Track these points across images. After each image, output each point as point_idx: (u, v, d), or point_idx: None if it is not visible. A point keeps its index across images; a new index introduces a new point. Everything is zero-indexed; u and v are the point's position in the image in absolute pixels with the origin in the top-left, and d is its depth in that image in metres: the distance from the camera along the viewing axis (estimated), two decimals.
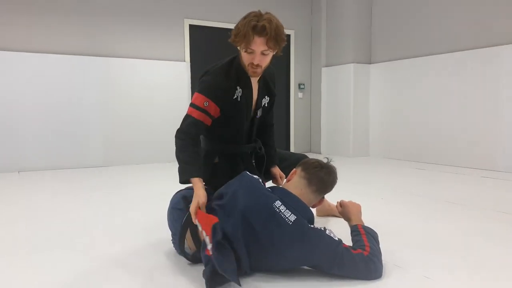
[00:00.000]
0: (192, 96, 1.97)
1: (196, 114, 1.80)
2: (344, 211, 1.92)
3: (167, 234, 1.91)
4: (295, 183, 1.70)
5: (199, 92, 1.83)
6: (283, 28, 1.78)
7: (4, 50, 4.69)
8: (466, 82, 4.79)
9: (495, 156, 4.53)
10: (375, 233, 1.77)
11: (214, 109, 1.82)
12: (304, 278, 1.60)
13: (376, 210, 2.83)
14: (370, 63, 6.08)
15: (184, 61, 5.67)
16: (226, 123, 1.89)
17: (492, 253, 1.96)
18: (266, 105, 2.03)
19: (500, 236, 2.22)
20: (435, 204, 2.98)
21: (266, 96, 2.02)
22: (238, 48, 1.84)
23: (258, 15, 1.72)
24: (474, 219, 2.57)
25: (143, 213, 2.73)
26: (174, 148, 1.78)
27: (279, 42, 1.74)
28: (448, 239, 2.17)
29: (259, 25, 1.67)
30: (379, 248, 1.69)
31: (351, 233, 1.78)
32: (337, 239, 1.57)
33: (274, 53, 1.82)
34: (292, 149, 6.55)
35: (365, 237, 1.69)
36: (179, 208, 1.77)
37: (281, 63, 6.53)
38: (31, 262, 1.86)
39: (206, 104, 1.78)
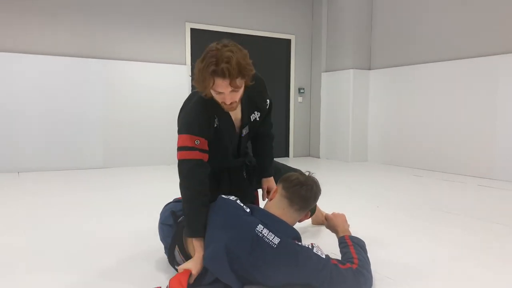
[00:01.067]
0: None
1: (192, 155, 1.69)
2: (329, 224, 1.95)
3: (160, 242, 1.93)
4: (277, 203, 1.69)
5: (185, 133, 1.70)
6: (246, 57, 1.63)
7: (5, 52, 4.72)
8: (464, 90, 4.81)
9: (492, 165, 4.55)
10: (363, 242, 1.78)
11: (204, 144, 1.72)
12: None
13: (371, 218, 2.85)
14: (369, 69, 6.11)
15: (185, 64, 5.70)
16: (210, 149, 1.79)
17: (485, 265, 1.97)
18: (257, 119, 1.92)
19: (494, 248, 2.23)
20: (431, 213, 3.00)
21: (255, 112, 1.90)
22: None
23: (216, 56, 1.54)
24: (470, 230, 2.58)
25: (140, 216, 2.75)
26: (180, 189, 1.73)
27: (245, 76, 1.61)
28: (442, 251, 2.18)
29: (219, 69, 1.53)
30: (367, 258, 1.70)
31: (339, 245, 1.79)
32: (324, 256, 1.57)
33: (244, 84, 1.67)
34: (291, 153, 6.58)
35: (352, 248, 1.70)
36: (169, 224, 1.79)
37: (281, 67, 6.56)
38: (30, 264, 1.89)
39: (197, 142, 1.68)
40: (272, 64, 6.45)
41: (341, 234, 1.84)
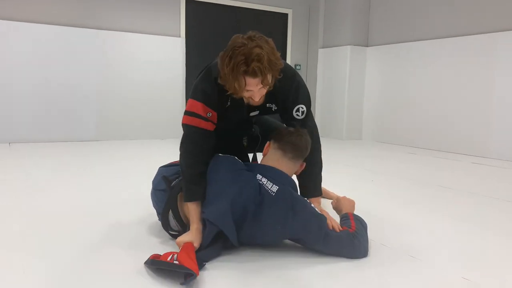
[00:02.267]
0: (187, 97, 1.82)
1: (203, 124, 1.64)
2: (337, 205, 1.94)
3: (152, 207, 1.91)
4: (271, 155, 1.70)
5: (201, 101, 1.63)
6: (274, 50, 1.51)
7: None
8: (461, 68, 4.78)
9: (486, 143, 4.56)
10: (365, 222, 1.78)
11: (215, 117, 1.68)
12: (291, 255, 1.62)
13: (366, 192, 2.86)
14: (367, 46, 6.04)
15: (180, 36, 5.59)
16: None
17: (479, 236, 1.99)
18: (272, 109, 1.80)
19: (487, 221, 2.25)
20: (425, 188, 3.02)
21: (272, 103, 1.78)
22: None
23: (245, 54, 1.42)
24: (463, 203, 2.60)
25: (130, 186, 2.73)
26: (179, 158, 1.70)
27: (275, 72, 1.52)
28: (436, 222, 2.20)
29: (250, 70, 1.43)
30: (366, 234, 1.71)
31: (340, 220, 1.80)
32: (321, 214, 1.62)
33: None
34: None
35: (353, 221, 1.72)
36: (161, 189, 1.76)
37: (278, 42, 6.43)
38: (21, 233, 1.86)
39: (209, 114, 1.65)
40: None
41: (344, 212, 1.85)
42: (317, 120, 6.46)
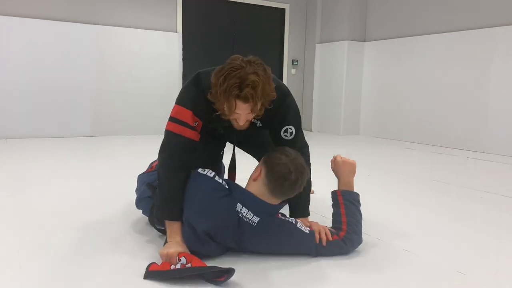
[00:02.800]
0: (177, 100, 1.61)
1: (187, 133, 1.55)
2: (335, 169, 1.79)
3: None
4: (258, 187, 1.53)
5: (189, 108, 1.55)
6: (270, 79, 1.46)
7: None
8: (458, 63, 4.77)
9: (482, 138, 4.57)
10: (355, 195, 1.72)
11: (200, 126, 1.60)
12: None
13: (362, 186, 2.85)
14: (364, 41, 6.02)
15: (176, 31, 5.56)
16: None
17: (474, 230, 2.00)
18: (258, 125, 1.71)
19: (482, 215, 2.26)
20: (421, 182, 3.02)
21: (258, 120, 1.69)
22: None
23: (241, 78, 1.37)
24: (458, 198, 2.61)
25: (126, 181, 2.71)
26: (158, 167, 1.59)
27: (267, 102, 1.48)
28: (431, 216, 2.20)
29: (242, 95, 1.38)
30: (359, 213, 1.68)
31: (331, 199, 1.74)
32: (307, 231, 1.57)
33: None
34: None
35: (343, 209, 1.67)
36: (147, 196, 1.72)
37: (275, 38, 6.43)
38: (16, 228, 1.86)
39: (195, 123, 1.56)
40: (265, 34, 6.32)
41: (339, 187, 1.75)
42: (315, 115, 6.48)
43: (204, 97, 1.51)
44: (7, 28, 4.62)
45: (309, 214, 1.79)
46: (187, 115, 1.55)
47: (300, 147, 1.76)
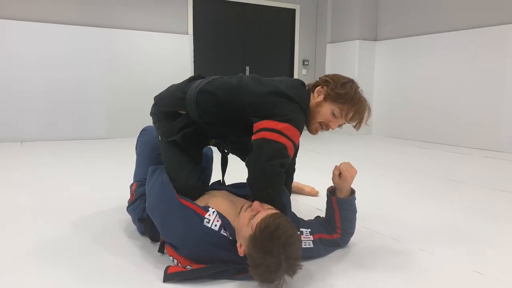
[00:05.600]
0: (263, 116, 1.52)
1: (291, 148, 1.51)
2: (341, 184, 1.61)
3: None
4: (243, 236, 1.32)
5: (296, 127, 1.53)
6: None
7: (6, 19, 4.63)
8: (472, 61, 4.71)
9: (497, 137, 4.50)
10: (352, 200, 1.63)
11: None
12: None
13: (376, 185, 2.84)
14: (375, 40, 5.99)
15: (187, 34, 5.60)
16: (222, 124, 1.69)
17: (490, 229, 1.97)
18: None
19: (499, 214, 2.23)
20: (436, 181, 2.99)
21: None
22: (319, 96, 1.64)
23: (363, 96, 1.67)
24: (474, 197, 2.58)
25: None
26: (267, 178, 1.48)
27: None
28: (447, 216, 2.18)
29: (366, 110, 1.68)
30: (355, 216, 1.63)
31: (326, 204, 1.67)
32: (311, 243, 1.53)
33: None
34: None
35: (338, 217, 1.60)
36: (145, 231, 1.71)
37: (285, 38, 6.43)
38: (32, 228, 1.89)
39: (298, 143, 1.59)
40: (276, 35, 6.33)
41: (338, 195, 1.62)
42: None
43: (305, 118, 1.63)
44: (22, 33, 4.71)
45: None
46: (297, 134, 1.55)
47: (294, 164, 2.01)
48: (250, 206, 1.41)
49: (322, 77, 1.68)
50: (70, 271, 1.44)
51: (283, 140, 1.48)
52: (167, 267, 1.40)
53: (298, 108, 1.57)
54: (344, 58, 6.09)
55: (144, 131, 2.10)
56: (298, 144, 1.72)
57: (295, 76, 6.51)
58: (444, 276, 1.44)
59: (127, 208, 1.83)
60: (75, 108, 5.06)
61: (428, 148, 4.71)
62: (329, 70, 6.36)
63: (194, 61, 5.65)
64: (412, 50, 5.44)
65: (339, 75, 1.69)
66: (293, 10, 6.35)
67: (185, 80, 1.79)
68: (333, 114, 1.62)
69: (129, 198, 1.87)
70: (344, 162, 1.64)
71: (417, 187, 2.83)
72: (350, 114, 1.63)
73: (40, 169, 3.25)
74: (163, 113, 1.78)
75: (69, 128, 5.05)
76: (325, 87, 1.63)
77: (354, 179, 1.62)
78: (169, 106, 1.75)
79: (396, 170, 3.40)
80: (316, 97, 1.64)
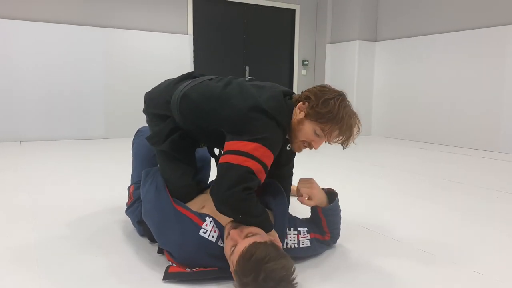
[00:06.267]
0: (238, 137, 1.41)
1: (261, 172, 1.39)
2: (312, 202, 1.60)
3: None
4: (225, 247, 1.36)
5: (268, 147, 1.40)
6: None
7: (5, 18, 4.62)
8: (471, 62, 4.72)
9: (496, 138, 4.51)
10: (336, 205, 1.62)
11: None
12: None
13: (376, 186, 2.84)
14: (375, 41, 5.99)
15: (187, 34, 5.59)
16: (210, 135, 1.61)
17: (490, 229, 1.97)
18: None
19: (499, 214, 2.23)
20: (435, 182, 2.99)
21: None
22: (301, 113, 1.48)
23: (351, 111, 1.51)
24: (474, 197, 2.58)
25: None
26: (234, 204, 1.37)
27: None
28: (447, 217, 2.18)
29: (353, 127, 1.50)
30: (339, 217, 1.64)
31: (311, 212, 1.65)
32: (308, 242, 1.54)
33: None
34: None
35: (325, 223, 1.60)
36: (143, 234, 1.73)
37: (285, 38, 6.43)
38: (31, 227, 1.89)
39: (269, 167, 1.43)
40: (275, 35, 6.33)
41: (319, 205, 1.61)
42: None
43: (283, 134, 1.50)
44: (21, 32, 4.70)
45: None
46: (268, 155, 1.41)
47: (292, 167, 1.83)
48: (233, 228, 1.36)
49: (305, 91, 1.52)
50: (69, 271, 1.44)
51: (249, 163, 1.36)
52: (168, 266, 1.40)
53: (273, 125, 1.43)
54: (343, 59, 6.09)
55: (139, 133, 2.10)
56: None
57: (295, 76, 6.51)
58: (445, 277, 1.44)
59: (126, 210, 1.83)
60: (74, 108, 5.05)
61: (428, 149, 4.72)
62: (329, 71, 6.36)
63: (194, 61, 5.65)
64: (412, 50, 5.45)
65: (325, 88, 1.52)
66: (293, 10, 6.35)
67: (177, 78, 1.72)
68: (316, 133, 1.47)
69: (127, 200, 1.87)
70: (299, 183, 1.61)
71: (416, 188, 2.84)
72: (334, 134, 1.48)
73: (39, 169, 3.25)
74: (153, 114, 1.75)
75: (68, 128, 5.04)
76: (306, 103, 1.47)
77: (319, 185, 1.62)
78: (157, 108, 1.70)
79: (395, 171, 3.40)
80: (298, 114, 1.49)
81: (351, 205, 1.71)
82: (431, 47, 5.17)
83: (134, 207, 1.77)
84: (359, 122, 1.53)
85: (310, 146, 1.52)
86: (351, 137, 1.51)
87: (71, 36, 4.95)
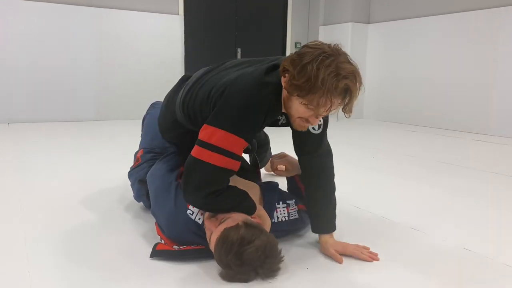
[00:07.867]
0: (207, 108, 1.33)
1: (234, 166, 1.26)
2: (288, 172, 1.63)
3: None
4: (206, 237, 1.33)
5: (242, 135, 1.25)
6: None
7: None
8: (463, 44, 4.71)
9: (488, 121, 4.53)
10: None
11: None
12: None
13: (367, 167, 2.85)
14: (368, 23, 5.94)
15: (178, 14, 5.49)
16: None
17: (479, 208, 2.00)
18: (280, 122, 1.46)
19: (487, 194, 2.25)
20: (426, 163, 3.01)
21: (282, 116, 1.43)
22: (284, 88, 1.25)
23: (338, 68, 1.18)
24: (464, 178, 2.60)
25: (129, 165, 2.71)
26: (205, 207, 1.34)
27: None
28: (437, 196, 2.20)
29: (341, 87, 1.17)
30: None
31: (288, 182, 1.70)
32: (296, 214, 1.53)
33: None
34: None
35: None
36: (143, 194, 1.71)
37: (278, 20, 6.35)
38: (19, 210, 1.86)
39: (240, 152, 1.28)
40: (268, 17, 6.24)
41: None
42: None
43: (264, 107, 1.27)
44: (9, 11, 4.57)
45: (335, 229, 1.48)
46: (239, 145, 1.25)
47: (328, 145, 1.52)
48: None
49: (284, 60, 1.24)
50: (61, 256, 1.42)
51: (214, 159, 1.22)
52: (156, 244, 1.40)
53: (244, 103, 1.24)
54: (336, 41, 5.93)
55: (155, 105, 2.16)
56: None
57: None
58: (435, 254, 1.46)
59: (129, 172, 1.86)
60: (63, 90, 4.96)
61: (419, 132, 4.74)
62: None
63: (185, 42, 5.56)
64: (405, 33, 5.41)
65: (306, 49, 1.21)
66: None
67: (170, 92, 1.62)
68: (308, 108, 1.21)
69: (132, 165, 1.89)
70: (271, 159, 1.65)
71: (408, 168, 2.85)
72: (322, 104, 1.18)
73: (28, 151, 3.20)
74: (171, 137, 1.66)
75: (58, 110, 4.96)
76: (286, 75, 1.21)
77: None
78: (172, 134, 1.63)
79: (387, 152, 3.42)
80: (284, 88, 1.26)
81: (341, 184, 1.69)
82: (424, 29, 5.14)
83: (140, 167, 1.78)
84: (357, 78, 1.20)
85: (308, 122, 1.28)
86: (349, 99, 1.22)
87: (60, 16, 4.83)
